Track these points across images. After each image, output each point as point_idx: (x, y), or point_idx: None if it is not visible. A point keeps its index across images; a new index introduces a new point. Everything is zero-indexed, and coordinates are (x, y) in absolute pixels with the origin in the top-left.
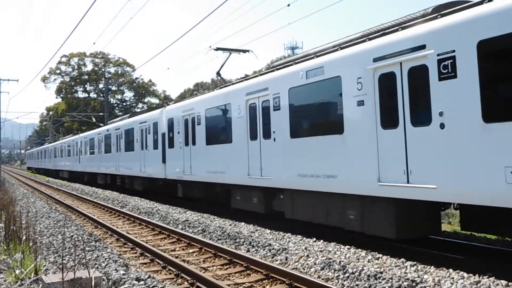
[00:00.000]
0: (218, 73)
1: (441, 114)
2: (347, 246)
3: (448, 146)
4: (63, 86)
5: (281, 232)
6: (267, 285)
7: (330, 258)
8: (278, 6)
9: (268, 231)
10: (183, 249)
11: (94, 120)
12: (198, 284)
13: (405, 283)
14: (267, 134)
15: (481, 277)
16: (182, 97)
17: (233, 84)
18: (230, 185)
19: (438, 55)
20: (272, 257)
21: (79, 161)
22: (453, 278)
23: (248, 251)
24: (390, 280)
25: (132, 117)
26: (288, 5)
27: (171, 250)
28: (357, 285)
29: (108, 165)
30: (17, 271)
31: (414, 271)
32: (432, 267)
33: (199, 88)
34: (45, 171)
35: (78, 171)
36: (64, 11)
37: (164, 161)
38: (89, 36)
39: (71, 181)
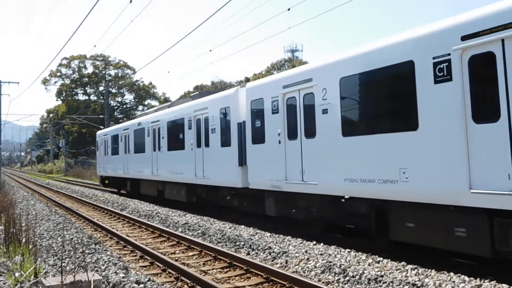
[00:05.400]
0: None
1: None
2: (348, 250)
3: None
4: (63, 89)
5: (281, 235)
6: None
7: (330, 262)
8: (278, 10)
9: (268, 234)
10: (183, 252)
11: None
12: (198, 287)
13: (406, 287)
14: None
15: (482, 281)
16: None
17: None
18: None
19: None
20: (272, 260)
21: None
22: (454, 281)
23: (248, 254)
24: (391, 284)
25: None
26: (289, 9)
27: (171, 253)
28: None
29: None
30: (17, 274)
31: (415, 274)
32: (433, 270)
33: (199, 91)
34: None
35: None
36: (65, 14)
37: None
38: (89, 39)
39: None
